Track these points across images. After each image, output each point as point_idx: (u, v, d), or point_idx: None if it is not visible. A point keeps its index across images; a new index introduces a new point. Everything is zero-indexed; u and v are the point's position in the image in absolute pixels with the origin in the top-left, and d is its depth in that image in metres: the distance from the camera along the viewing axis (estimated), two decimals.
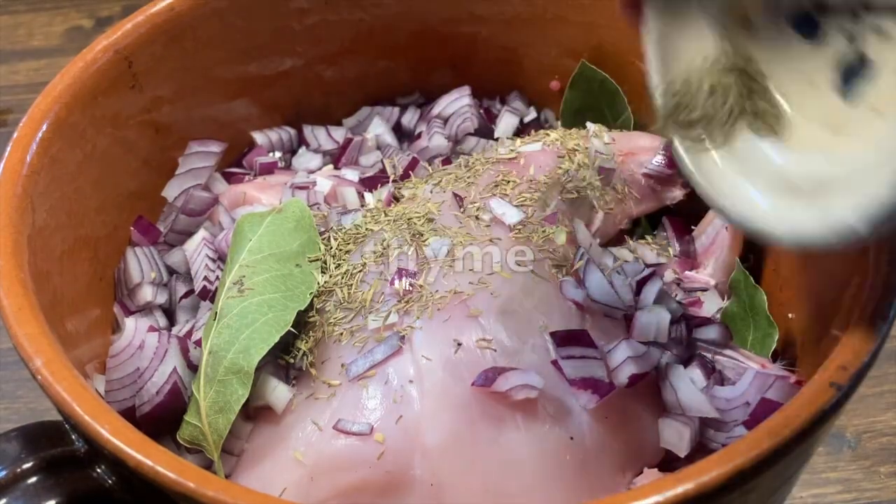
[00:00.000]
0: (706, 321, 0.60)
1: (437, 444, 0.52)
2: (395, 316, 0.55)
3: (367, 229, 0.61)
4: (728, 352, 0.59)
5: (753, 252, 0.67)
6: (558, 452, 0.53)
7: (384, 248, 0.59)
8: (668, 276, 0.63)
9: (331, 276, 0.58)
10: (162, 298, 0.64)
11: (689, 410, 0.54)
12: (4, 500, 0.47)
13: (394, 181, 0.68)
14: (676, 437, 0.54)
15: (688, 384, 0.55)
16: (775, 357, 0.60)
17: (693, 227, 0.68)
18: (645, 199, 0.68)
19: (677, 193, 0.69)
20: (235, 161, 0.75)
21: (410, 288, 0.57)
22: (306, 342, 0.56)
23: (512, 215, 0.62)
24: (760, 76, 0.48)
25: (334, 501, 0.52)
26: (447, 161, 0.72)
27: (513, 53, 0.78)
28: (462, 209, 0.63)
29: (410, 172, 0.69)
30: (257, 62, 0.73)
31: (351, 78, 0.78)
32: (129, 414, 0.56)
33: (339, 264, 0.59)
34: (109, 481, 0.49)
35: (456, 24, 0.77)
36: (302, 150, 0.76)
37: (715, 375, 0.57)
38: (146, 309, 0.64)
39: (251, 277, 0.57)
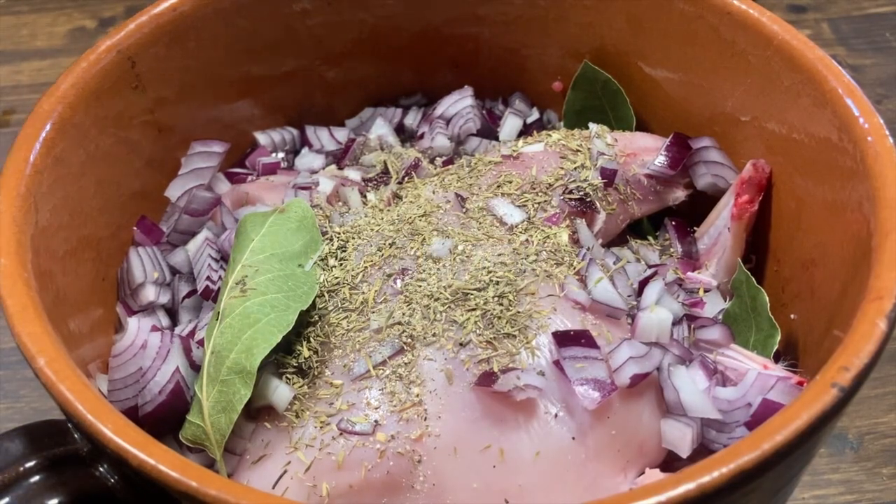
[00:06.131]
0: (708, 322, 0.60)
1: (439, 444, 0.52)
2: (398, 316, 0.55)
3: (369, 229, 0.62)
4: (730, 352, 0.59)
5: (756, 253, 0.67)
6: (560, 452, 0.53)
7: (386, 248, 0.59)
8: (670, 276, 0.63)
9: (333, 276, 0.58)
10: (164, 298, 0.64)
11: (690, 411, 0.54)
12: (7, 499, 0.48)
13: (396, 181, 0.68)
14: (678, 437, 0.54)
15: (690, 385, 0.55)
16: (777, 358, 0.60)
17: (695, 228, 0.68)
18: (647, 199, 0.68)
19: (679, 194, 0.69)
20: (238, 161, 0.75)
21: (412, 288, 0.57)
22: (309, 342, 0.56)
23: (514, 215, 0.62)
24: None
25: (336, 501, 0.52)
26: (449, 161, 0.72)
27: (515, 54, 0.78)
28: (464, 209, 0.63)
29: (413, 173, 0.69)
30: (260, 63, 0.74)
31: (353, 79, 0.78)
32: (132, 413, 0.56)
33: (341, 264, 0.59)
34: (112, 480, 0.49)
35: (458, 25, 0.77)
36: (304, 150, 0.76)
37: (717, 376, 0.57)
38: (149, 309, 0.64)
39: (254, 277, 0.57)
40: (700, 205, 0.69)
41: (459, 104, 0.76)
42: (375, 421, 0.52)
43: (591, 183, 0.64)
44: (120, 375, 0.57)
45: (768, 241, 0.66)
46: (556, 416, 0.53)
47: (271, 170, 0.72)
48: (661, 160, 0.67)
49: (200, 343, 0.58)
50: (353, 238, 0.61)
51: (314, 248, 0.60)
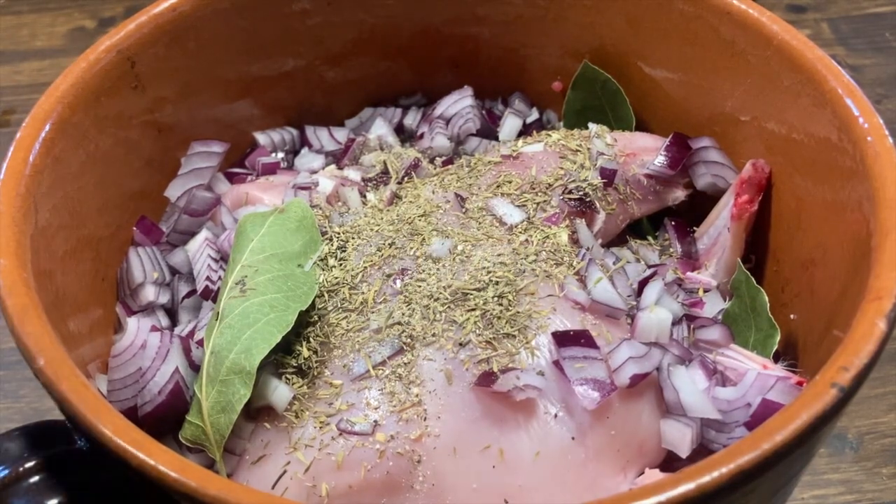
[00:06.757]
0: (708, 322, 0.60)
1: (439, 444, 0.52)
2: (397, 316, 0.55)
3: (369, 229, 0.62)
4: (729, 352, 0.59)
5: (755, 253, 0.67)
6: (559, 452, 0.53)
7: (386, 248, 0.59)
8: (670, 276, 0.63)
9: (333, 276, 0.58)
10: (164, 298, 0.64)
11: (690, 411, 0.54)
12: (7, 499, 0.48)
13: (396, 181, 0.68)
14: (678, 437, 0.54)
15: (689, 385, 0.55)
16: (777, 358, 0.60)
17: (695, 228, 0.68)
18: (647, 199, 0.68)
19: (679, 194, 0.69)
20: (238, 161, 0.75)
21: (412, 288, 0.57)
22: (308, 342, 0.56)
23: (514, 215, 0.62)
24: None
25: (336, 501, 0.52)
26: (449, 161, 0.72)
27: (515, 54, 0.78)
28: (464, 209, 0.63)
29: (412, 173, 0.69)
30: (260, 63, 0.74)
31: (353, 78, 0.78)
32: (132, 413, 0.56)
33: (341, 264, 0.59)
34: (111, 481, 0.49)
35: (458, 25, 0.77)
36: (304, 150, 0.76)
37: (716, 376, 0.57)
38: (148, 309, 0.64)
39: (253, 277, 0.57)
40: (700, 205, 0.69)
41: (459, 104, 0.76)
42: (375, 421, 0.52)
43: (590, 183, 0.65)
44: (119, 375, 0.57)
45: (768, 241, 0.66)
46: (555, 416, 0.53)
47: (271, 170, 0.72)
48: (660, 160, 0.67)
49: (200, 343, 0.58)
50: (353, 238, 0.61)
51: (314, 248, 0.60)
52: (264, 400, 0.55)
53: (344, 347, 0.55)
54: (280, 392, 0.54)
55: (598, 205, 0.64)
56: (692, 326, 0.60)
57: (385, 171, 0.70)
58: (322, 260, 0.60)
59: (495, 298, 0.56)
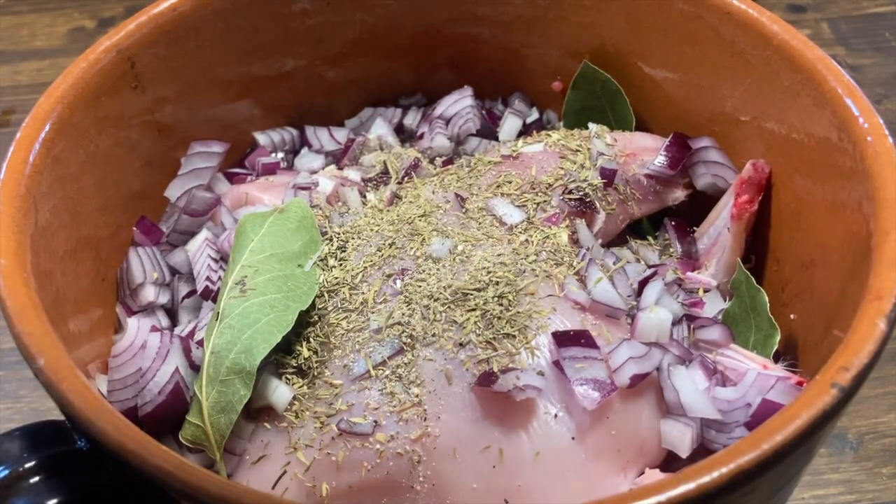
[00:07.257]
0: (708, 322, 0.60)
1: (439, 444, 0.52)
2: (397, 316, 0.55)
3: (369, 229, 0.62)
4: (730, 352, 0.59)
5: (755, 253, 0.67)
6: (559, 453, 0.53)
7: (386, 248, 0.59)
8: (670, 276, 0.63)
9: (333, 277, 0.58)
10: (164, 298, 0.64)
11: (690, 411, 0.54)
12: (7, 499, 0.48)
13: (396, 181, 0.68)
14: (678, 437, 0.54)
15: (689, 385, 0.55)
16: (777, 358, 0.60)
17: (695, 228, 0.68)
18: (647, 199, 0.68)
19: (679, 194, 0.69)
20: (238, 161, 0.75)
21: (412, 288, 0.57)
22: (308, 342, 0.56)
23: (514, 215, 0.62)
24: None
25: (336, 501, 0.52)
26: (449, 161, 0.72)
27: (515, 54, 0.78)
28: (464, 209, 0.63)
29: (412, 173, 0.69)
30: (260, 63, 0.74)
31: (353, 78, 0.78)
32: (132, 414, 0.56)
33: (341, 264, 0.59)
34: (112, 480, 0.49)
35: (458, 25, 0.77)
36: (304, 150, 0.76)
37: (716, 376, 0.57)
38: (148, 309, 0.64)
39: (253, 278, 0.57)
40: (700, 205, 0.69)
41: (459, 104, 0.76)
42: (375, 421, 0.52)
43: (590, 183, 0.65)
44: (119, 376, 0.57)
45: (768, 241, 0.66)
46: (555, 416, 0.53)
47: (271, 170, 0.72)
48: (660, 160, 0.67)
49: (200, 343, 0.58)
50: (353, 238, 0.61)
51: (314, 248, 0.60)
52: (264, 400, 0.55)
53: (344, 347, 0.55)
54: (280, 392, 0.54)
55: (598, 205, 0.64)
56: (692, 326, 0.60)
57: (385, 172, 0.70)
58: (322, 260, 0.60)
59: (495, 298, 0.56)
